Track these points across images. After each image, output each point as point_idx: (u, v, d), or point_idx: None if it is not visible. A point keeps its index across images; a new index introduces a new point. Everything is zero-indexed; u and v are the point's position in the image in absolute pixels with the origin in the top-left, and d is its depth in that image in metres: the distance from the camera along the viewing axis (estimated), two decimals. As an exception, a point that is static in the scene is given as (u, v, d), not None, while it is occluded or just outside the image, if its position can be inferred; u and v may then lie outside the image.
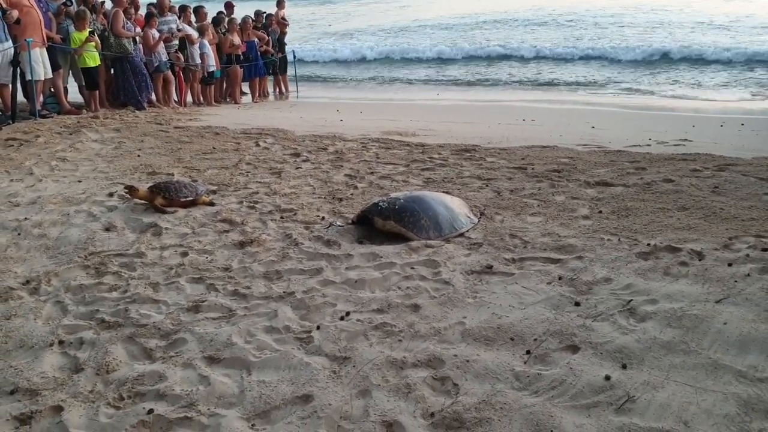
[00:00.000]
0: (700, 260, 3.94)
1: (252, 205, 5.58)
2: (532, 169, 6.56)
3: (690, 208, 5.00)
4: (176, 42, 12.69)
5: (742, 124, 9.83)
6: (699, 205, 5.07)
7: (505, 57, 19.87)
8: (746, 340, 3.00)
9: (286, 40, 16.10)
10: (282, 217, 5.23)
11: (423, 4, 35.34)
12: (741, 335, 3.04)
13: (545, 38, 22.85)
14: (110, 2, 11.86)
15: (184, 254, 4.52)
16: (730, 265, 3.82)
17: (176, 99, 12.99)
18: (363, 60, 21.96)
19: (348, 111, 12.31)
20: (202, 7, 13.87)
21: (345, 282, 3.99)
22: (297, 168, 6.91)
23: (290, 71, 16.49)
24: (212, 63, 13.37)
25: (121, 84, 11.73)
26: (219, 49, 13.78)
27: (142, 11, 12.65)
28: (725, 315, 3.22)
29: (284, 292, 3.88)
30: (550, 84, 16.21)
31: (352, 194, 5.83)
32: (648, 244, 4.22)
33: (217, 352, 3.24)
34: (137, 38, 11.84)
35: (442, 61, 20.71)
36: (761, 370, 2.79)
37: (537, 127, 9.85)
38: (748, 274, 3.65)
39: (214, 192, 5.99)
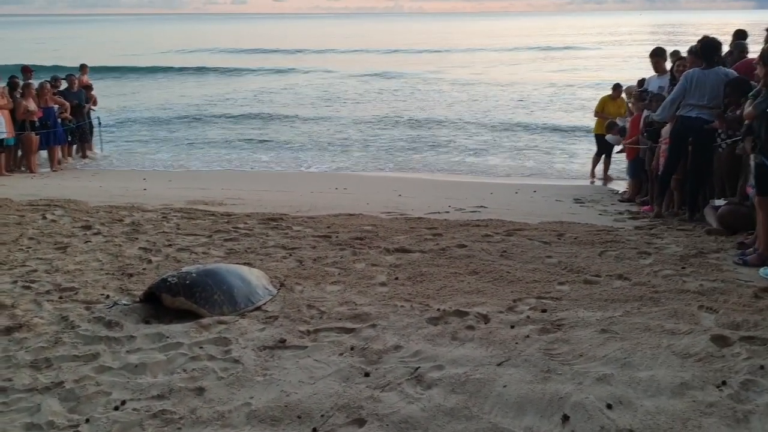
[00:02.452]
0: (485, 323, 4.08)
1: (28, 284, 5.01)
2: (337, 237, 6.58)
3: (480, 272, 5.22)
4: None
5: (534, 191, 10.69)
6: (488, 269, 5.32)
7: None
8: (523, 402, 3.10)
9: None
10: (61, 297, 4.73)
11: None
12: (519, 397, 3.14)
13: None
14: None
15: (-66, 346, 3.91)
16: (512, 327, 3.99)
17: (-42, 168, 11.73)
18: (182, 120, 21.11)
19: (156, 179, 11.77)
20: (-8, 70, 12.85)
21: (124, 367, 3.63)
22: (86, 242, 6.37)
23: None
24: (2, 129, 12.28)
25: None
26: (14, 115, 12.73)
27: None
28: (505, 377, 3.32)
29: (52, 382, 3.45)
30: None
31: (144, 269, 5.45)
32: (438, 309, 4.32)
33: (-43, 462, 2.77)
34: None
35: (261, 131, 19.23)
36: (536, 431, 2.87)
37: (347, 195, 10.02)
38: (528, 336, 3.83)
39: (-17, 272, 5.33)
